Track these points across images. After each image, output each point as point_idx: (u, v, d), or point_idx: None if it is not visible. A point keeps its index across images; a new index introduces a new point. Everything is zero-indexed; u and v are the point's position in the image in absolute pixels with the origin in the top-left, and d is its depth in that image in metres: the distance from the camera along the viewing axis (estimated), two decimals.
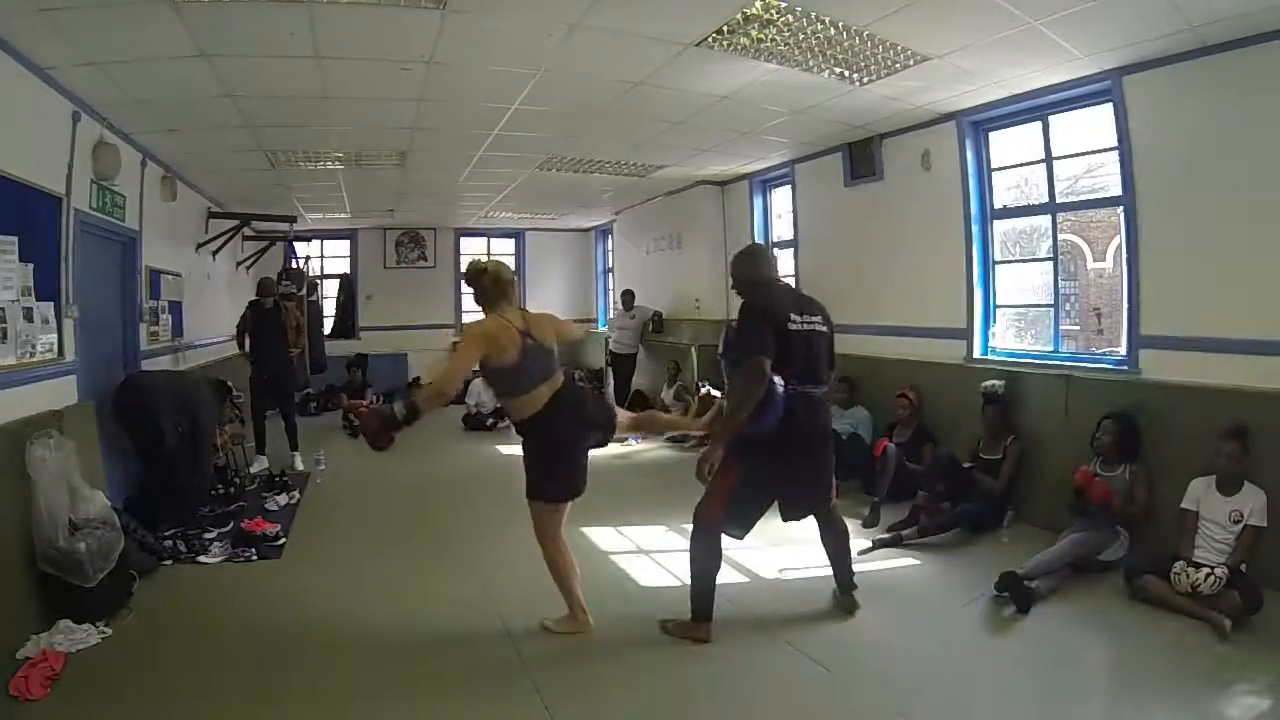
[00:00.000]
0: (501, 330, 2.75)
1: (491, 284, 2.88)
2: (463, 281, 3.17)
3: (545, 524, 2.93)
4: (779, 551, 3.78)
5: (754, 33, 3.46)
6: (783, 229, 7.01)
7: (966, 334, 4.88)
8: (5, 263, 3.11)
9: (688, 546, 2.99)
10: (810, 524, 3.18)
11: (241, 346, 6.11)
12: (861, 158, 5.62)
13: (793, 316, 2.88)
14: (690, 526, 2.96)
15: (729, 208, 7.63)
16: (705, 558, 2.94)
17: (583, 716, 2.46)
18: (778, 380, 2.75)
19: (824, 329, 3.02)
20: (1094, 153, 4.29)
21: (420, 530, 4.52)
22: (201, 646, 2.94)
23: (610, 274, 11.01)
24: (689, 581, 2.98)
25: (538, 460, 2.87)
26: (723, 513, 2.90)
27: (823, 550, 3.23)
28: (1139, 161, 3.83)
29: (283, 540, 4.23)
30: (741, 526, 2.98)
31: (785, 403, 2.76)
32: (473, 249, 11.07)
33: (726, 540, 2.96)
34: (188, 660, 2.83)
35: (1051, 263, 4.62)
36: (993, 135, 4.82)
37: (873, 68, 3.94)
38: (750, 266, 3.07)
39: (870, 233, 5.67)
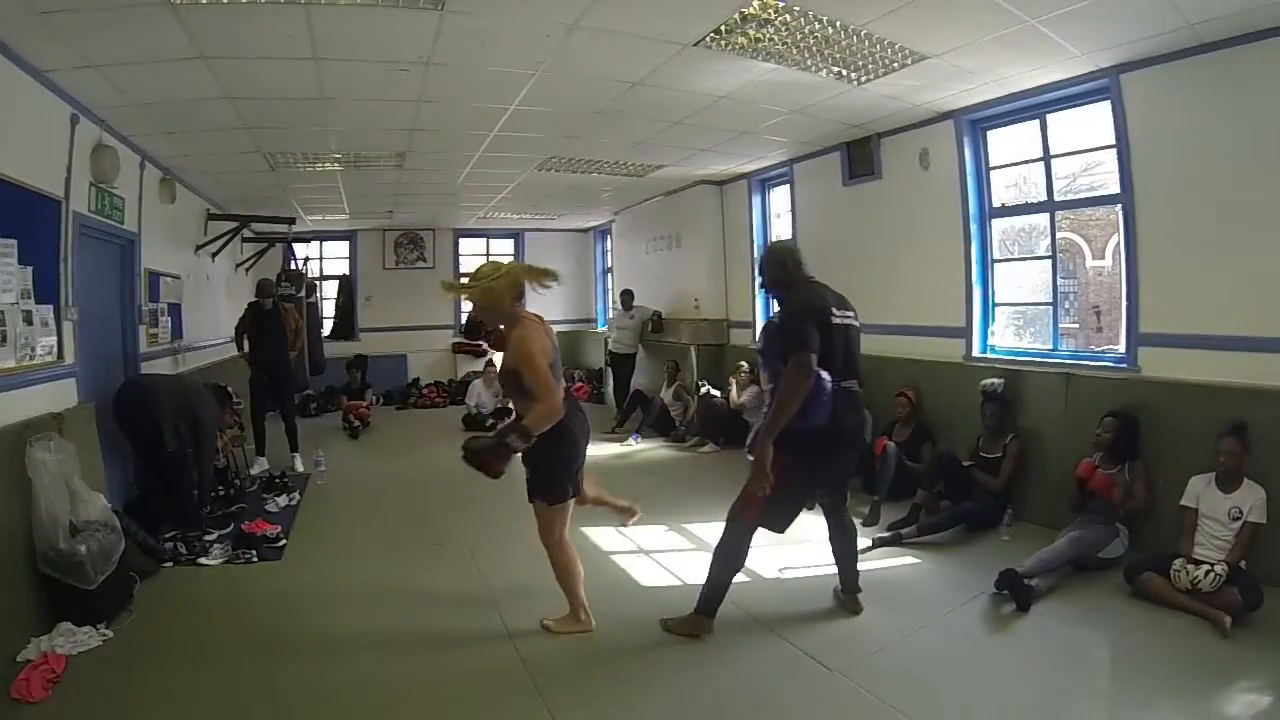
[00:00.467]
0: (542, 334, 2.79)
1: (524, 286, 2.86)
2: (505, 293, 2.85)
3: (551, 525, 2.92)
4: (779, 551, 3.77)
5: (752, 32, 3.46)
6: (781, 228, 7.00)
7: (965, 332, 4.88)
8: (4, 266, 3.11)
9: (714, 542, 3.01)
10: (811, 524, 3.18)
11: (241, 348, 6.12)
12: (860, 157, 5.63)
13: (834, 311, 2.90)
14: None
15: (728, 207, 7.63)
16: (731, 555, 2.94)
17: (584, 716, 2.46)
18: (825, 375, 2.74)
19: (857, 324, 3.04)
20: (1092, 150, 4.28)
21: (421, 530, 4.52)
22: (202, 648, 2.94)
23: (609, 274, 11.01)
24: (704, 577, 2.98)
25: (545, 460, 2.85)
26: (761, 510, 2.87)
27: (829, 551, 3.24)
28: (1137, 159, 3.84)
29: (283, 542, 4.23)
30: (783, 521, 2.96)
31: (831, 398, 2.76)
32: (472, 249, 11.07)
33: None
34: (188, 662, 2.83)
35: (1050, 261, 4.62)
36: (991, 134, 4.82)
37: (871, 67, 3.95)
38: (784, 266, 3.04)
39: (869, 232, 5.67)
